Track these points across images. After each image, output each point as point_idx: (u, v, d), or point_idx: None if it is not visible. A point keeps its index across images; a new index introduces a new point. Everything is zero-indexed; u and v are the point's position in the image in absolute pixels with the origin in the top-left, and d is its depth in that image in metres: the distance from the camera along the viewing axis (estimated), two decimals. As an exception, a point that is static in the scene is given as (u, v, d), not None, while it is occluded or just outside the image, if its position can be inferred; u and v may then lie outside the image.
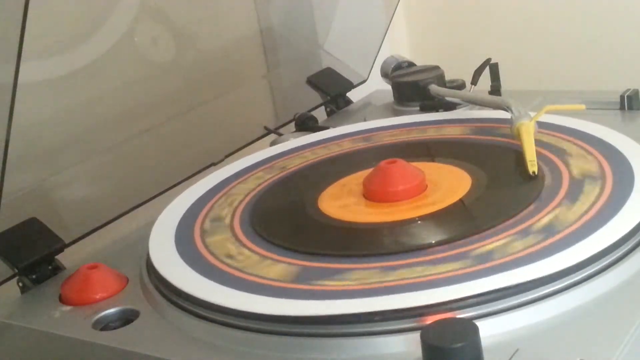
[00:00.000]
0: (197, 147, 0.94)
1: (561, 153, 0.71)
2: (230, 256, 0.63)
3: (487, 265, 0.54)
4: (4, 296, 0.70)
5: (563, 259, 0.53)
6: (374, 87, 1.10)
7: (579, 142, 0.73)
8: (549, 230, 0.58)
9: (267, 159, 0.84)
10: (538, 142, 0.72)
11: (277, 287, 0.57)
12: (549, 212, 0.61)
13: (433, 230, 0.63)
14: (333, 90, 1.08)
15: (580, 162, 0.69)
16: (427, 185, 0.69)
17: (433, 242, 0.60)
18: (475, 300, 0.51)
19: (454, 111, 0.90)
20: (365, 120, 0.94)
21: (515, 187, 0.68)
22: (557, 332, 0.49)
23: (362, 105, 1.05)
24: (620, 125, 0.76)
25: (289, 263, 0.60)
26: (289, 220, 0.71)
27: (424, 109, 0.93)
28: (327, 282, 0.56)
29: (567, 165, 0.69)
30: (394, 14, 1.12)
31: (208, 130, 0.96)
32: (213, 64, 0.99)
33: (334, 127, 0.93)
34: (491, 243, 0.57)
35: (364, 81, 1.12)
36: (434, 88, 0.93)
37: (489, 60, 0.93)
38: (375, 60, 1.10)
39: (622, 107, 0.83)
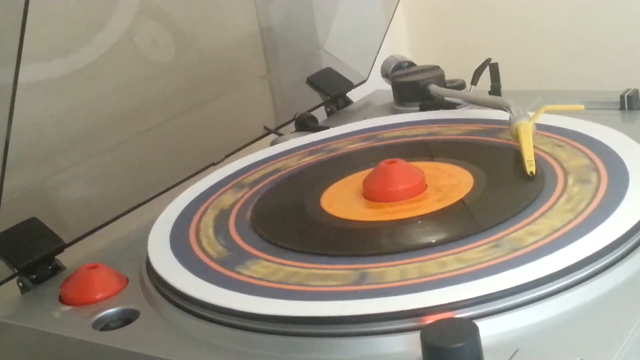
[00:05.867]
0: (197, 147, 0.94)
1: (556, 153, 0.71)
2: (229, 256, 0.63)
3: (487, 265, 0.54)
4: (4, 296, 0.70)
5: (563, 259, 0.53)
6: (374, 87, 1.10)
7: (574, 143, 0.73)
8: (548, 230, 0.58)
9: (267, 159, 0.84)
10: (536, 143, 0.72)
11: (276, 287, 0.57)
12: (547, 212, 0.61)
13: (433, 230, 0.63)
14: (333, 90, 1.08)
15: (576, 162, 0.69)
16: (427, 185, 0.69)
17: (433, 241, 0.60)
18: (475, 300, 0.51)
19: (454, 111, 0.90)
20: (365, 120, 0.94)
21: (514, 187, 0.68)
22: (557, 332, 0.49)
23: (362, 105, 1.05)
24: (620, 125, 0.76)
25: (289, 263, 0.60)
26: (288, 220, 0.71)
27: (424, 109, 0.93)
28: (326, 282, 0.56)
29: (562, 165, 0.69)
30: (394, 14, 1.12)
31: (208, 130, 0.96)
32: (213, 64, 0.99)
33: (334, 127, 0.93)
34: (491, 243, 0.57)
35: (364, 81, 1.12)
36: (434, 88, 0.93)
37: (489, 60, 0.93)
38: (375, 60, 1.10)
39: (622, 107, 0.83)
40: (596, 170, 0.66)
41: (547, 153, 0.72)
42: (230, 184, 0.79)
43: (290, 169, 0.80)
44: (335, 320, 0.52)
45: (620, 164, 0.66)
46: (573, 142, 0.73)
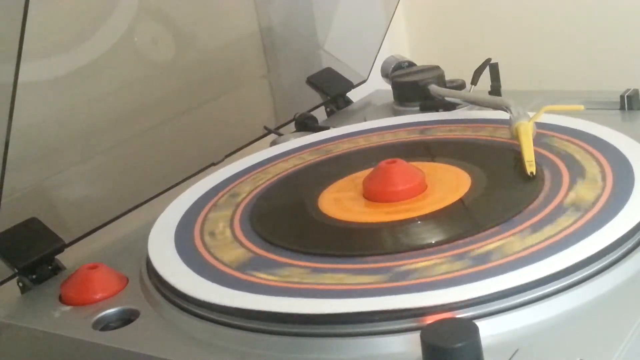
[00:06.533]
0: (197, 147, 0.94)
1: (561, 153, 0.71)
2: (229, 256, 0.63)
3: (487, 265, 0.54)
4: (4, 296, 0.70)
5: (563, 259, 0.53)
6: (374, 87, 1.10)
7: (579, 142, 0.73)
8: (549, 230, 0.58)
9: (267, 159, 0.84)
10: (537, 142, 0.72)
11: (276, 286, 0.57)
12: (548, 212, 0.61)
13: (433, 230, 0.63)
14: (333, 90, 1.08)
15: (580, 162, 0.69)
16: (427, 185, 0.69)
17: (433, 242, 0.60)
18: (475, 300, 0.51)
19: (454, 111, 0.90)
20: (365, 120, 0.94)
21: (514, 187, 0.68)
22: (557, 332, 0.49)
23: (362, 105, 1.05)
24: (621, 125, 0.76)
25: (289, 263, 0.60)
26: (289, 220, 0.71)
27: (424, 109, 0.93)
28: (327, 282, 0.56)
29: (565, 164, 0.69)
30: (394, 14, 1.12)
31: (208, 130, 0.96)
32: (213, 64, 0.99)
33: (334, 127, 0.93)
34: (491, 243, 0.57)
35: (364, 81, 1.12)
36: (434, 88, 0.93)
37: (489, 60, 0.93)
38: (375, 60, 1.10)
39: (622, 107, 0.83)
40: (602, 171, 0.66)
41: (550, 152, 0.72)
42: (231, 185, 0.78)
43: (290, 169, 0.80)
44: (335, 320, 0.52)
45: (626, 164, 0.66)
46: (578, 142, 0.73)
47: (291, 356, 0.52)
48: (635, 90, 0.83)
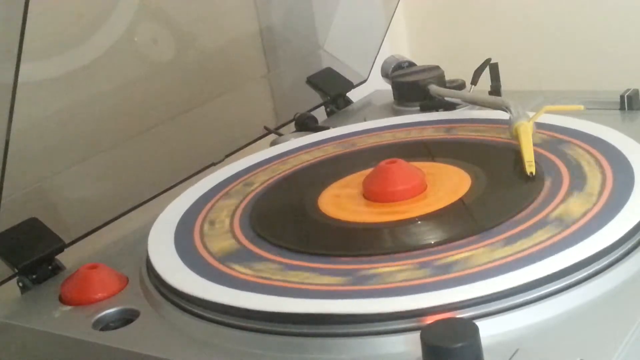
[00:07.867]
0: (197, 147, 0.94)
1: (561, 153, 0.71)
2: (229, 256, 0.63)
3: (487, 265, 0.54)
4: (4, 296, 0.70)
5: (563, 259, 0.53)
6: (374, 87, 1.10)
7: (578, 142, 0.73)
8: (548, 230, 0.58)
9: (267, 159, 0.84)
10: (537, 142, 0.72)
11: (276, 286, 0.57)
12: (548, 213, 0.61)
13: (433, 230, 0.63)
14: (333, 90, 1.08)
15: (580, 162, 0.69)
16: (427, 185, 0.69)
17: (433, 242, 0.60)
18: (475, 300, 0.51)
19: (454, 111, 0.90)
20: (365, 120, 0.94)
21: (515, 187, 0.68)
22: (557, 332, 0.49)
23: (362, 105, 1.05)
24: (620, 125, 0.76)
25: (288, 263, 0.60)
26: (288, 220, 0.71)
27: (424, 109, 0.93)
28: (327, 282, 0.56)
29: (566, 165, 0.69)
30: (394, 14, 1.12)
31: (208, 130, 0.96)
32: (213, 64, 0.99)
33: (334, 127, 0.93)
34: (491, 243, 0.57)
35: (364, 81, 1.12)
36: (434, 88, 0.93)
37: (489, 60, 0.93)
38: (375, 60, 1.10)
39: (622, 107, 0.83)
40: (602, 171, 0.66)
41: (550, 152, 0.72)
42: (231, 185, 0.79)
43: (290, 169, 0.80)
44: (335, 320, 0.52)
45: (626, 164, 0.66)
46: (578, 142, 0.73)
47: (291, 356, 0.52)
48: (635, 90, 0.83)
